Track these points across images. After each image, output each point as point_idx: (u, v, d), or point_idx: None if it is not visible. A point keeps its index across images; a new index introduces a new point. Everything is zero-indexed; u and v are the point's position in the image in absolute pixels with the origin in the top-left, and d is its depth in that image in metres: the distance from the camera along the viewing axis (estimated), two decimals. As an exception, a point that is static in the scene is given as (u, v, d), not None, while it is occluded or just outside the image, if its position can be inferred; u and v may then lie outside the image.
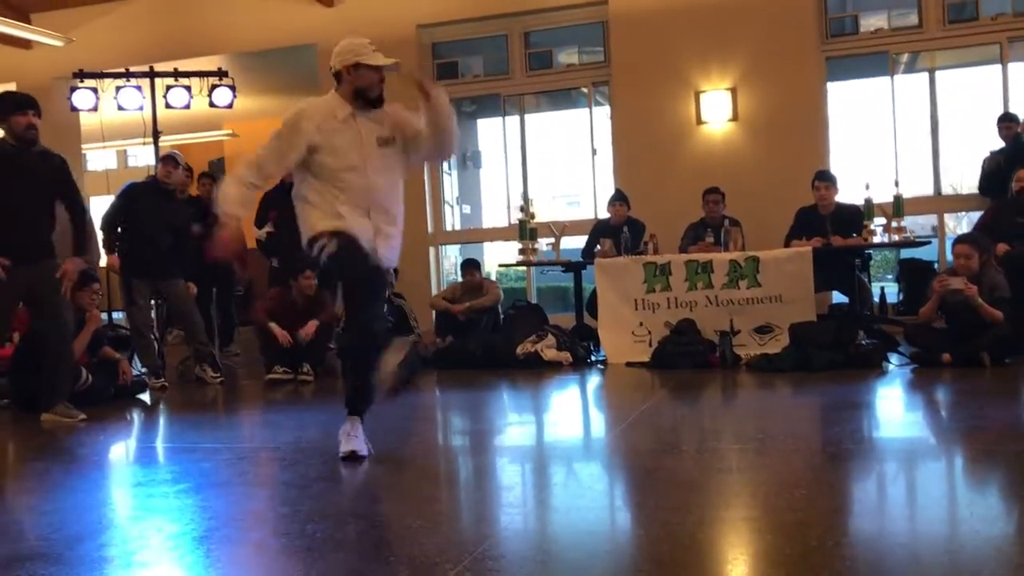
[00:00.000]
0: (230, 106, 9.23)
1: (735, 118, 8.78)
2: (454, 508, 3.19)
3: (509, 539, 2.72)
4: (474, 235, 11.56)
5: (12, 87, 10.85)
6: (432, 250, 9.95)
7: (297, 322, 6.87)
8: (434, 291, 9.44)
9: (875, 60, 9.07)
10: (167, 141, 10.72)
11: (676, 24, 8.83)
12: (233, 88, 9.08)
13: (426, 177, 9.84)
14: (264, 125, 14.23)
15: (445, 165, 10.79)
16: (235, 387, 7.27)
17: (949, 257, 7.98)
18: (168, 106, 8.82)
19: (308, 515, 3.00)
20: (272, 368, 6.83)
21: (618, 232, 7.55)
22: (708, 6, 8.77)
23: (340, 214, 3.85)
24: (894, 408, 5.00)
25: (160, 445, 4.63)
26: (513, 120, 10.06)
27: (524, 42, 9.80)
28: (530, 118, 10.27)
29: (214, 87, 9.01)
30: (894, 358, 6.11)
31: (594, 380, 6.42)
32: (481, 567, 2.40)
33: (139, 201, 6.82)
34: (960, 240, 6.17)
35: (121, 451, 4.73)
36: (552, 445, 4.40)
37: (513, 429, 4.83)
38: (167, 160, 6.91)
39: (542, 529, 2.87)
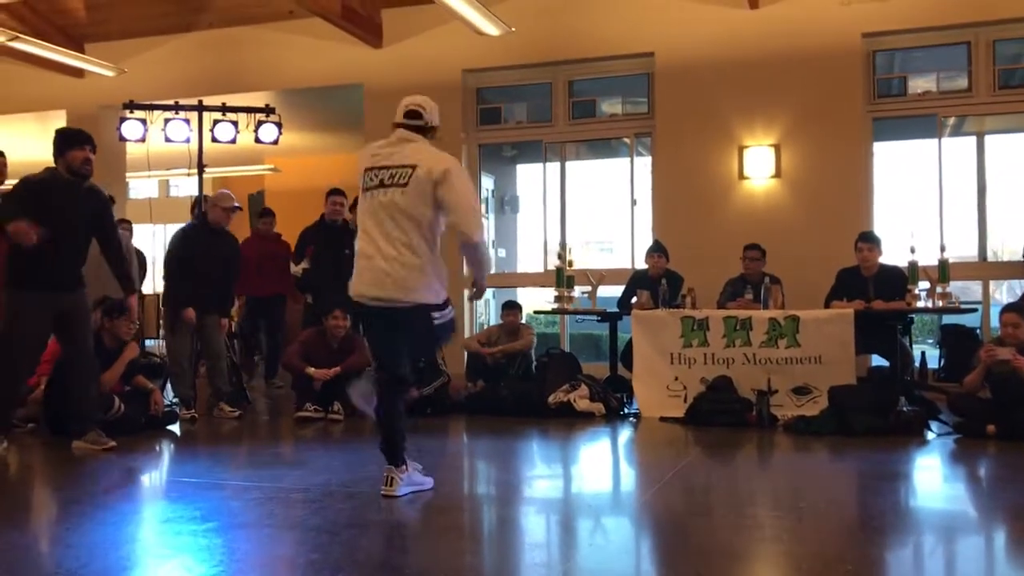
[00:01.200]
0: (275, 142, 9.33)
1: (778, 175, 8.72)
2: (481, 563, 3.12)
3: (542, 602, 2.64)
4: (509, 279, 11.53)
5: (62, 114, 11.12)
6: (466, 292, 9.92)
7: (331, 363, 6.86)
8: (467, 333, 9.40)
9: (923, 122, 8.99)
10: (210, 173, 10.86)
11: (722, 78, 8.83)
12: (279, 125, 9.18)
13: (464, 220, 9.85)
14: (305, 162, 14.48)
15: (483, 208, 10.83)
16: (265, 423, 7.25)
17: (993, 323, 7.82)
18: (215, 140, 8.92)
19: (338, 563, 2.95)
20: (303, 406, 6.81)
21: (656, 284, 7.48)
22: (755, 62, 8.76)
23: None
24: (936, 480, 4.85)
25: (189, 480, 4.60)
26: (553, 167, 10.07)
27: (568, 90, 9.84)
28: (570, 165, 10.28)
29: (260, 123, 9.12)
30: (936, 427, 5.95)
31: (626, 434, 6.32)
32: (514, 631, 2.33)
33: (193, 241, 6.96)
34: (1008, 308, 6.04)
35: (150, 484, 4.70)
36: (583, 501, 4.31)
37: (543, 482, 4.75)
38: (230, 211, 7.06)
39: (576, 593, 2.79)
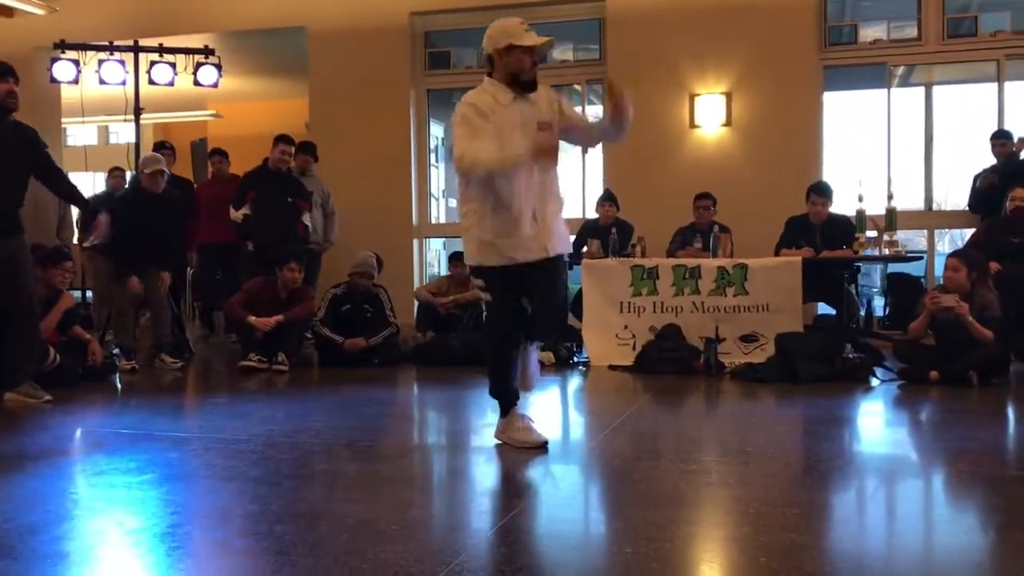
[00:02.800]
0: (215, 85, 9.03)
1: (729, 123, 8.68)
2: (430, 514, 3.06)
3: (486, 552, 2.59)
4: (459, 229, 11.40)
5: (-8, 55, 10.65)
6: (416, 242, 9.79)
7: (277, 312, 6.73)
8: (416, 284, 9.29)
9: (872, 71, 8.99)
10: (149, 118, 10.52)
11: (674, 25, 8.72)
12: (219, 67, 8.88)
13: (412, 168, 9.69)
14: (249, 107, 14.11)
15: (432, 157, 10.65)
16: (208, 374, 7.12)
17: (938, 273, 7.92)
18: (152, 82, 8.60)
19: (278, 514, 2.87)
20: (247, 355, 6.68)
21: (606, 233, 7.44)
22: (707, 8, 8.66)
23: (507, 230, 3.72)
24: (880, 425, 4.91)
25: (126, 432, 4.47)
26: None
27: (519, 35, 9.65)
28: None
29: (199, 65, 8.81)
30: (881, 373, 6.03)
31: (576, 382, 6.31)
32: (458, 580, 2.28)
33: (125, 208, 6.80)
34: (953, 254, 6.11)
35: (85, 436, 4.56)
36: (532, 449, 4.27)
37: (492, 430, 4.70)
38: (156, 174, 6.91)
39: (521, 542, 2.74)
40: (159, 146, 8.58)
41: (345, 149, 9.39)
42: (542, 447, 3.87)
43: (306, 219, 7.70)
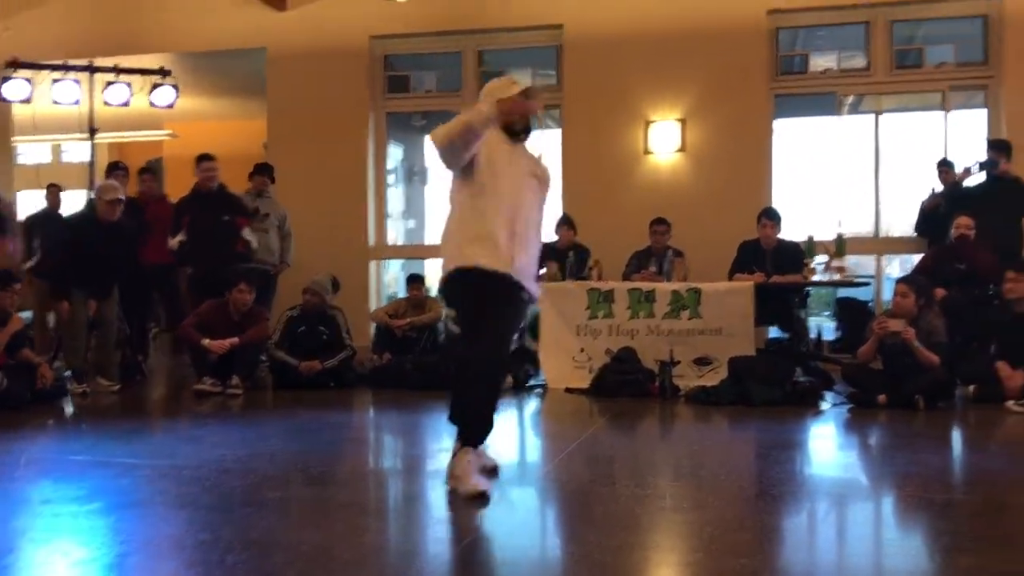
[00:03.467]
0: (171, 106, 8.97)
1: (683, 149, 8.81)
2: (384, 540, 3.06)
3: (442, 577, 2.60)
4: (417, 251, 11.38)
5: (-58, 72, 10.47)
6: (373, 264, 9.77)
7: (231, 335, 6.67)
8: (373, 306, 9.26)
9: (823, 100, 9.20)
10: (104, 138, 10.39)
11: (629, 52, 8.84)
12: (176, 88, 8.82)
13: (370, 190, 9.68)
14: (206, 127, 13.98)
15: (391, 178, 10.65)
16: (161, 398, 7.03)
17: (886, 297, 8.09)
18: (106, 103, 8.52)
19: (229, 543, 2.84)
20: (200, 379, 6.60)
21: (564, 256, 7.50)
22: (662, 36, 8.80)
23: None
24: (830, 448, 4.99)
25: (75, 458, 4.39)
26: (462, 137, 9.94)
27: (478, 60, 9.72)
28: (480, 136, 10.17)
29: (155, 86, 8.75)
30: (830, 397, 6.13)
31: (532, 405, 6.33)
32: (411, 608, 2.28)
33: (79, 231, 6.78)
34: (901, 280, 6.25)
35: (31, 463, 4.47)
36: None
37: (448, 455, 4.69)
38: (113, 203, 6.80)
39: (476, 568, 2.75)
40: (113, 167, 8.46)
41: (303, 170, 9.36)
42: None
43: (246, 234, 7.58)
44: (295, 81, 9.59)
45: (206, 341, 6.59)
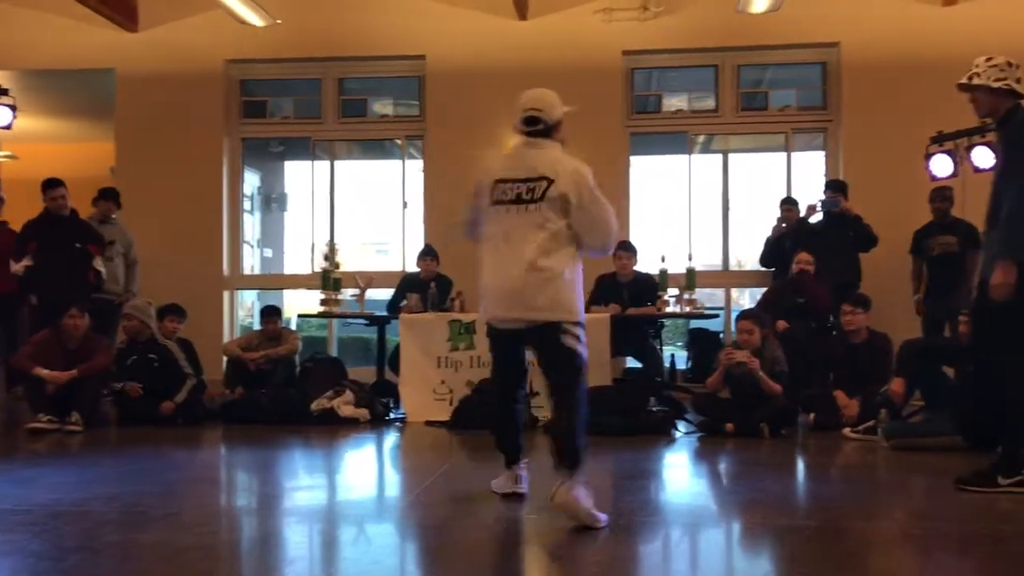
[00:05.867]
0: (8, 127, 8.47)
1: (543, 183, 8.95)
2: (230, 585, 2.94)
3: (289, 623, 2.51)
4: (274, 281, 11.14)
5: None
6: (227, 294, 9.48)
7: (69, 367, 6.30)
8: (227, 337, 8.97)
9: (675, 139, 9.58)
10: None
11: (491, 85, 8.95)
12: (13, 108, 8.34)
13: (224, 217, 9.41)
14: (49, 149, 13.27)
15: (247, 205, 10.39)
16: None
17: (734, 328, 8.44)
18: (-64, 121, 7.98)
19: (59, 595, 2.67)
20: (36, 415, 6.20)
21: (426, 287, 7.47)
22: (523, 72, 8.93)
23: None
24: (682, 477, 5.14)
25: None
26: (323, 165, 9.83)
27: (338, 88, 9.64)
28: (340, 164, 10.08)
29: (-8, 105, 8.25)
30: (682, 425, 6.32)
31: (392, 439, 6.25)
32: (255, 658, 2.19)
33: None
34: (743, 316, 6.52)
35: None
36: (344, 511, 4.19)
37: (302, 493, 4.57)
38: None
39: (326, 610, 2.68)
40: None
41: (153, 196, 9.02)
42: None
43: (98, 264, 7.28)
44: (146, 104, 9.26)
45: (43, 371, 6.20)
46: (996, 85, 4.19)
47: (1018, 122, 4.19)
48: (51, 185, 7.29)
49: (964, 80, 4.28)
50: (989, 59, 4.26)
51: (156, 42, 9.31)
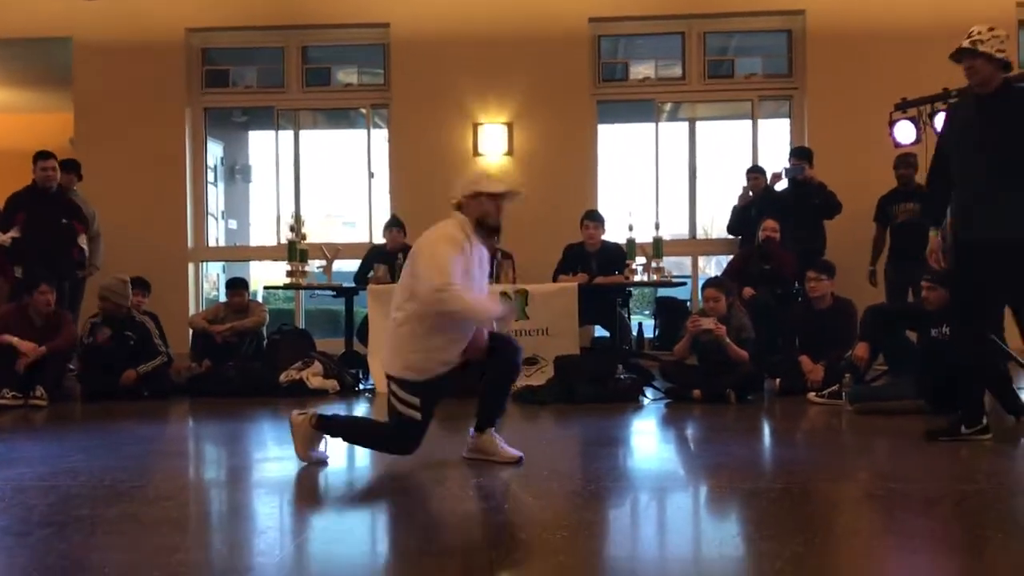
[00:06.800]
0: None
1: (510, 152, 8.94)
2: (200, 558, 2.92)
3: (258, 593, 2.51)
4: (240, 252, 11.03)
5: None
6: (192, 266, 9.38)
7: (35, 342, 6.22)
8: (192, 310, 8.89)
9: (642, 107, 9.56)
10: None
11: (456, 55, 8.89)
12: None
13: (188, 189, 9.28)
14: (4, 120, 12.95)
15: (211, 176, 10.25)
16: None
17: (701, 297, 8.50)
18: None
19: (25, 569, 2.65)
20: (0, 391, 6.12)
21: (393, 258, 7.43)
22: (487, 41, 8.90)
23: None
24: (650, 443, 5.19)
25: None
26: (287, 135, 9.72)
27: (302, 56, 9.51)
28: (305, 134, 9.97)
29: (-56, 74, 8.05)
30: (650, 392, 6.38)
31: (361, 410, 6.24)
32: (224, 627, 2.19)
33: None
34: (709, 284, 6.57)
35: None
36: (312, 482, 4.18)
37: (271, 464, 4.56)
38: None
39: (296, 579, 2.68)
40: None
41: (113, 168, 8.86)
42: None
43: (82, 242, 7.24)
44: (105, 73, 9.08)
45: (15, 340, 6.12)
46: (998, 56, 4.22)
47: (1019, 93, 4.30)
48: (42, 157, 7.21)
49: (967, 45, 4.27)
50: (991, 29, 4.27)
51: (115, 10, 9.11)
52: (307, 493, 3.90)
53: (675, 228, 9.50)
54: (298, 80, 9.51)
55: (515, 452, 4.15)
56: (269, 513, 3.56)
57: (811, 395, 6.10)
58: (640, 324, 9.13)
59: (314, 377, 6.67)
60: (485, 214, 4.02)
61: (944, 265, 4.51)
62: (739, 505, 3.52)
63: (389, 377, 4.06)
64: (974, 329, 4.40)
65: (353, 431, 4.35)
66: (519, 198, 4.16)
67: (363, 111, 9.75)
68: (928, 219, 4.63)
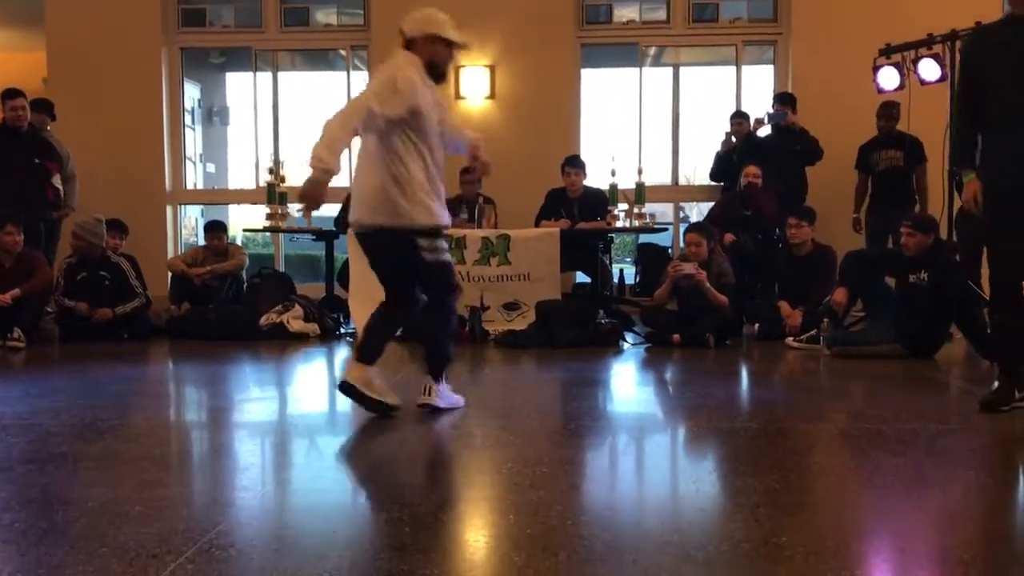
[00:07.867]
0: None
1: (493, 96, 8.84)
2: (182, 492, 2.94)
3: (242, 526, 2.53)
4: (218, 196, 10.92)
5: None
6: (170, 209, 9.28)
7: (5, 285, 6.16)
8: (171, 253, 8.82)
9: (626, 51, 9.47)
10: None
11: (438, -6, 8.73)
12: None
13: (165, 131, 9.15)
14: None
15: (188, 119, 10.10)
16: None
17: (683, 243, 8.52)
18: None
19: (7, 502, 2.66)
20: (-25, 334, 6.09)
21: (372, 202, 7.37)
22: (470, -21, 8.73)
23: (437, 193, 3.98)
24: (629, 385, 5.24)
25: None
26: (265, 77, 9.57)
27: (280, -5, 9.33)
28: (284, 76, 9.82)
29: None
30: (630, 337, 6.42)
31: (342, 354, 6.25)
32: (208, 557, 2.21)
33: None
34: (691, 229, 6.59)
35: None
36: (294, 422, 4.21)
37: (252, 405, 4.57)
38: None
39: (279, 513, 2.70)
40: None
41: (88, 108, 8.71)
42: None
43: (56, 182, 7.14)
44: (78, 11, 8.87)
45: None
46: None
47: None
48: (11, 95, 7.06)
49: None
50: None
51: (87, -55, 8.88)
52: (288, 433, 3.91)
53: (658, 175, 9.48)
54: (276, 20, 9.33)
55: (456, 398, 4.16)
56: (251, 451, 3.58)
57: (789, 340, 6.16)
58: (621, 271, 9.15)
59: (295, 320, 6.67)
60: (439, 59, 3.88)
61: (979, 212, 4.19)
62: (716, 444, 3.57)
63: (411, 234, 3.99)
64: (1016, 290, 3.97)
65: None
66: (463, 50, 4.12)
67: (342, 52, 9.60)
68: (964, 162, 4.13)
